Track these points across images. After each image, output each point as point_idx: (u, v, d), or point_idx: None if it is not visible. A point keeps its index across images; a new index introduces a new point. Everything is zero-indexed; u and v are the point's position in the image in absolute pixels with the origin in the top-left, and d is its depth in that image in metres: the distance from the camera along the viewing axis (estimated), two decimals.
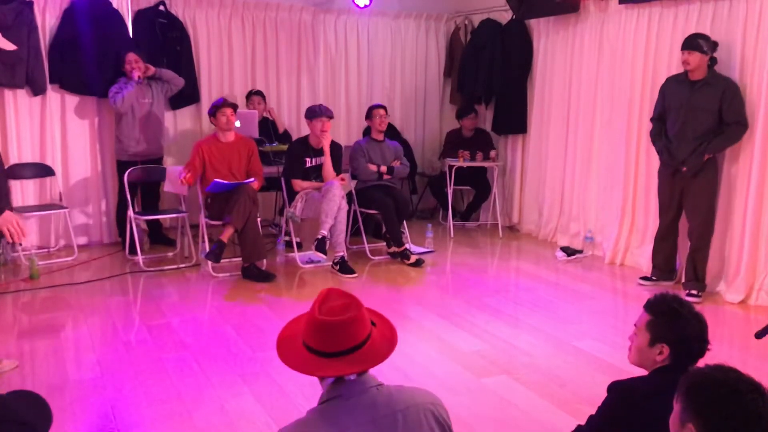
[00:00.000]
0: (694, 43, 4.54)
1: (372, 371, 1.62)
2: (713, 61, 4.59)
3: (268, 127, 6.31)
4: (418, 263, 5.62)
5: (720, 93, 4.51)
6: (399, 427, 1.54)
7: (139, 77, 5.58)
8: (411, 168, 6.47)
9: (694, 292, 4.70)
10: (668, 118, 4.80)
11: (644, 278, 5.10)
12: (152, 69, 5.69)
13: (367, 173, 5.86)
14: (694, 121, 4.60)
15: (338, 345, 1.55)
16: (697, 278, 4.75)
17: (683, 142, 4.66)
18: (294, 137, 6.41)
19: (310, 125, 5.57)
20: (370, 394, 1.57)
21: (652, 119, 4.98)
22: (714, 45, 4.58)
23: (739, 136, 4.59)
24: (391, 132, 6.73)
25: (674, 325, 1.96)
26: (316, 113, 5.51)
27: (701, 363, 1.70)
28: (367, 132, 6.65)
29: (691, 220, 4.77)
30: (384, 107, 6.06)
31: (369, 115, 6.06)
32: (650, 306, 2.04)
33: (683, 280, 4.86)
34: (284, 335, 1.68)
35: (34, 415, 1.53)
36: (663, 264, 5.00)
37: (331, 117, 5.56)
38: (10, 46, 3.44)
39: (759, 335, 2.24)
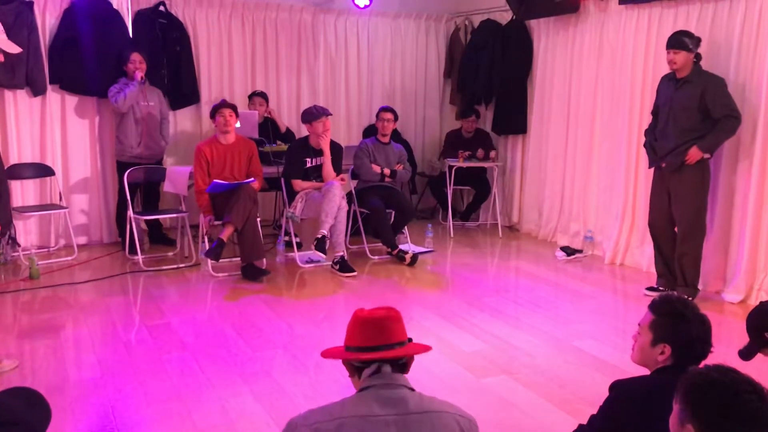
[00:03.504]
0: (680, 41, 4.47)
1: None
2: (698, 57, 4.53)
3: (268, 128, 6.31)
4: (413, 262, 5.62)
5: (700, 90, 4.43)
6: (424, 427, 1.59)
7: (142, 78, 5.58)
8: (411, 169, 6.47)
9: (684, 296, 4.60)
10: (658, 116, 4.76)
11: (650, 288, 4.89)
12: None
13: (370, 173, 5.86)
14: (674, 118, 4.55)
15: (380, 339, 1.66)
16: (686, 283, 4.66)
17: (665, 140, 4.62)
18: (295, 137, 6.41)
19: (310, 128, 5.55)
20: (403, 392, 1.65)
21: (651, 113, 4.92)
22: (698, 41, 4.51)
23: (732, 130, 4.49)
24: (392, 132, 6.73)
25: (676, 326, 1.97)
26: (314, 115, 5.50)
27: (702, 364, 1.70)
28: (367, 132, 6.65)
29: (678, 223, 4.66)
30: (392, 111, 6.04)
31: (377, 116, 6.09)
32: (654, 306, 2.05)
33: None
34: (328, 351, 1.81)
35: (31, 414, 1.51)
36: (665, 271, 4.81)
37: (329, 114, 5.56)
38: (15, 49, 3.44)
39: (745, 356, 2.23)
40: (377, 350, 1.65)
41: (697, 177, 4.57)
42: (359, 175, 5.94)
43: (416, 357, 1.72)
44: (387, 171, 5.91)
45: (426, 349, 1.77)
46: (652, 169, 4.89)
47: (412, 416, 1.59)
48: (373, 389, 1.64)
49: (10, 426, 1.39)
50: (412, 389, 1.68)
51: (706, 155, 4.53)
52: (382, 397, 1.62)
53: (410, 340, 1.75)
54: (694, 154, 4.48)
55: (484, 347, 3.89)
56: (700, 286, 4.77)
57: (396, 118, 6.05)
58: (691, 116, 4.49)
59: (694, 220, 4.62)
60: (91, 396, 3.20)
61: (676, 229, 4.71)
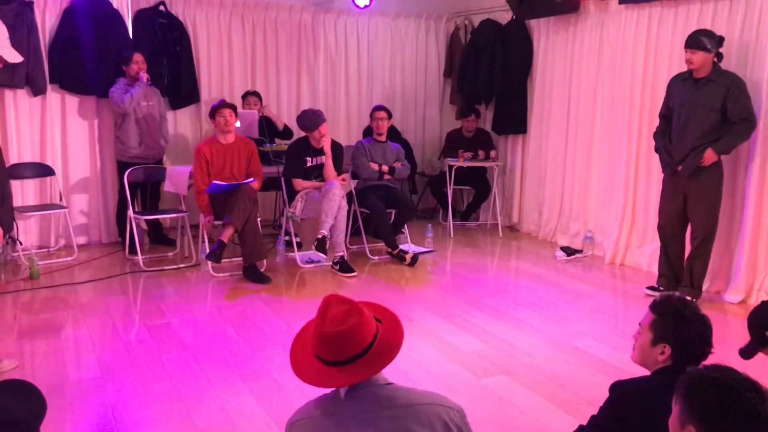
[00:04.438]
0: (697, 41, 4.36)
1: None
2: (719, 57, 4.42)
3: (264, 127, 6.29)
4: (413, 262, 5.62)
5: (724, 90, 4.34)
6: (403, 422, 1.56)
7: (148, 79, 5.59)
8: (411, 168, 6.48)
9: (688, 298, 4.56)
10: (673, 118, 4.65)
11: (651, 288, 4.88)
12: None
13: (368, 171, 5.86)
14: (695, 120, 4.45)
15: (347, 352, 1.57)
16: (692, 285, 4.64)
17: (682, 142, 4.52)
18: (294, 136, 6.41)
19: (310, 135, 5.57)
20: (378, 389, 1.61)
21: (659, 116, 4.84)
22: (719, 40, 4.39)
23: (748, 134, 4.42)
24: (392, 132, 6.73)
25: (676, 326, 1.97)
26: (308, 126, 5.48)
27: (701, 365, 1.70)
28: (367, 132, 6.64)
29: (694, 226, 4.60)
30: (385, 109, 6.04)
31: (371, 116, 6.08)
32: (655, 306, 2.05)
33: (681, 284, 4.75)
34: (295, 350, 1.71)
35: (25, 410, 1.45)
36: (668, 272, 4.78)
37: (323, 121, 5.52)
38: (17, 58, 3.45)
39: (745, 355, 2.23)
40: (346, 364, 1.57)
41: (714, 179, 4.50)
42: (358, 174, 5.94)
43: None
44: (385, 168, 5.91)
45: (398, 346, 1.64)
46: (656, 169, 4.86)
47: (385, 412, 1.56)
48: (349, 390, 1.61)
49: (6, 425, 1.34)
50: (389, 383, 1.64)
51: (723, 156, 4.47)
52: (352, 397, 1.59)
53: (378, 320, 1.66)
54: (709, 156, 4.39)
55: (484, 347, 3.89)
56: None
57: (390, 116, 6.05)
58: (710, 117, 4.39)
59: (710, 223, 4.56)
60: (91, 396, 3.20)
61: (689, 230, 4.66)
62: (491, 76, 6.89)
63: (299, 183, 5.58)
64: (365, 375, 1.58)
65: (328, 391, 1.67)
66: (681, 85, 4.59)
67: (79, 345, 3.86)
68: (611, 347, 3.90)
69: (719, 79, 4.39)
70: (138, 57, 5.63)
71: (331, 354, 1.58)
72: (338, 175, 5.64)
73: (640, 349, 2.06)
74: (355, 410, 1.57)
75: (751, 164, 4.65)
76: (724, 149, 4.43)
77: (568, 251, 5.98)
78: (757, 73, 4.60)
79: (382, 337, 1.62)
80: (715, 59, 4.42)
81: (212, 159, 5.32)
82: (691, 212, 4.61)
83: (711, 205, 4.54)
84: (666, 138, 4.69)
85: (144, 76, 5.58)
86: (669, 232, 4.75)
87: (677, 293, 4.55)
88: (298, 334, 1.75)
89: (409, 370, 3.53)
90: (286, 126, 6.55)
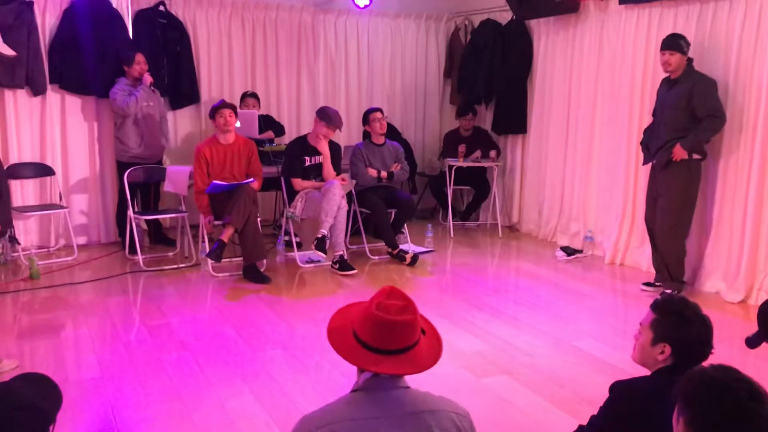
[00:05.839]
0: (675, 43, 4.57)
1: None
2: (689, 60, 4.62)
3: (263, 124, 6.29)
4: (413, 262, 5.62)
5: (688, 90, 4.53)
6: (422, 428, 1.58)
7: (151, 83, 5.60)
8: (411, 168, 6.47)
9: (668, 291, 4.62)
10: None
11: (647, 284, 4.95)
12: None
13: (366, 179, 5.85)
14: (666, 118, 4.68)
15: (389, 344, 1.60)
16: (671, 277, 4.73)
17: (657, 138, 4.76)
18: (294, 137, 6.40)
19: (316, 125, 5.56)
20: (400, 392, 1.63)
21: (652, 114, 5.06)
22: (689, 44, 4.63)
23: (715, 129, 4.59)
24: (391, 132, 6.73)
25: (677, 326, 1.97)
26: (324, 117, 5.48)
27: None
28: (366, 135, 6.65)
29: (660, 218, 4.77)
30: (380, 109, 6.04)
31: (366, 120, 6.01)
32: (656, 305, 2.05)
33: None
34: (334, 325, 1.73)
35: (44, 399, 1.57)
36: (659, 266, 4.88)
37: (335, 129, 5.53)
38: (10, 52, 3.46)
39: (751, 344, 2.23)
40: (383, 354, 1.60)
41: (683, 175, 4.66)
42: (357, 181, 5.92)
43: None
44: (384, 174, 5.90)
45: (433, 361, 1.69)
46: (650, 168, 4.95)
47: (408, 417, 1.58)
48: (369, 391, 1.62)
49: (27, 411, 1.45)
50: (408, 387, 1.66)
51: (696, 156, 4.62)
52: (376, 399, 1.60)
53: (423, 332, 1.70)
54: (677, 151, 4.59)
55: (484, 347, 3.89)
56: (700, 286, 4.83)
57: (383, 114, 6.05)
58: (678, 115, 4.60)
59: (674, 218, 4.70)
60: (91, 396, 3.20)
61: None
62: (491, 76, 6.89)
63: (298, 183, 5.58)
64: (394, 371, 1.61)
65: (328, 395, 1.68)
66: (663, 86, 4.83)
67: (79, 345, 3.86)
68: (611, 347, 3.90)
69: (686, 80, 4.60)
70: (140, 57, 5.63)
71: (373, 339, 1.60)
72: (337, 174, 5.64)
73: (640, 348, 2.06)
74: (368, 414, 1.58)
75: (751, 164, 4.66)
76: (693, 145, 4.59)
77: (568, 251, 5.98)
78: (756, 74, 4.61)
79: (421, 346, 1.66)
80: (687, 61, 4.62)
81: (212, 159, 5.32)
82: (659, 207, 4.78)
83: (677, 200, 4.68)
84: (648, 134, 4.93)
85: (149, 79, 5.59)
86: (652, 224, 4.90)
87: (668, 290, 4.60)
88: (340, 312, 1.77)
89: None
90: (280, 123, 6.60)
